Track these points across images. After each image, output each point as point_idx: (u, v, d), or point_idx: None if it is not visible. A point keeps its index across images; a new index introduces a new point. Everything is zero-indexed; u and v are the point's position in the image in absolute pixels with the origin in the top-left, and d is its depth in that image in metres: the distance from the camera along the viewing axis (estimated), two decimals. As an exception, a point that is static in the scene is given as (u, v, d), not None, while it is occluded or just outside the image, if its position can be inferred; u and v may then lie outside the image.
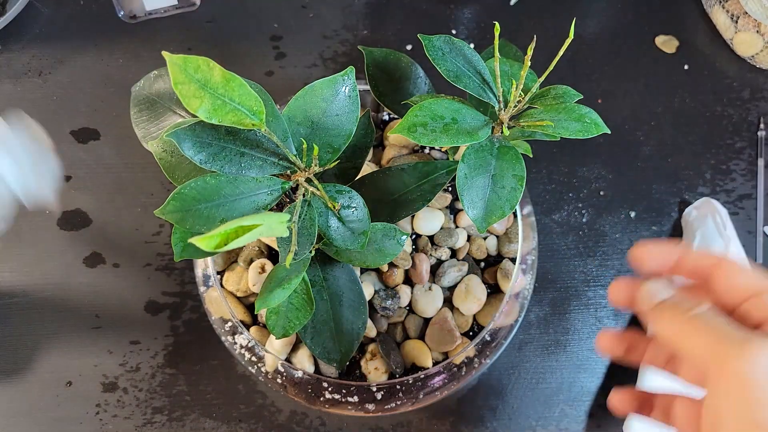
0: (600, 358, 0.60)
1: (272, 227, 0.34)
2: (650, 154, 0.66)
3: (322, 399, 0.52)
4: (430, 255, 0.55)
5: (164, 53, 0.32)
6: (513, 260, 0.56)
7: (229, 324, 0.53)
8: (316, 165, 0.38)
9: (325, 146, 0.39)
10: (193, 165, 0.39)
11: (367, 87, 0.47)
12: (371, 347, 0.53)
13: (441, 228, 0.55)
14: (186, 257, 0.40)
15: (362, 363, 0.53)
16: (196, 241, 0.30)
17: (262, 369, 0.53)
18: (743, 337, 0.27)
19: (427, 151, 0.58)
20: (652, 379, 0.56)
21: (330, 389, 0.52)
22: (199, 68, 0.33)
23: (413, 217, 0.54)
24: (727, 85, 0.68)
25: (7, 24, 0.65)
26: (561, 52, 0.38)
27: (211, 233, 0.31)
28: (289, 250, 0.37)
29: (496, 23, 0.40)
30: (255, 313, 0.53)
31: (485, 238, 0.56)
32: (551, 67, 0.39)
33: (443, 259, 0.55)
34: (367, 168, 0.55)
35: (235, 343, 0.53)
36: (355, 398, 0.52)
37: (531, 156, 0.45)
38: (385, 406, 0.52)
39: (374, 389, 0.52)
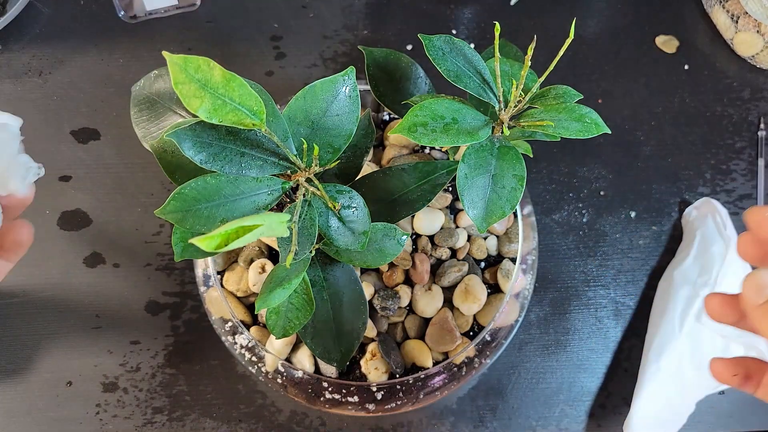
0: (600, 358, 0.60)
1: (272, 227, 0.33)
2: (650, 154, 0.66)
3: (322, 399, 0.52)
4: (430, 255, 0.55)
5: (164, 53, 0.32)
6: (513, 260, 0.56)
7: (230, 324, 0.53)
8: (316, 165, 0.38)
9: (326, 146, 0.39)
10: (194, 165, 0.39)
11: (368, 87, 0.47)
12: (371, 347, 0.53)
13: (441, 228, 0.55)
14: (186, 257, 0.40)
15: (362, 363, 0.53)
16: (196, 241, 0.30)
17: (262, 369, 0.53)
18: None
19: (427, 151, 0.58)
20: None
21: (330, 389, 0.52)
22: (200, 68, 0.32)
23: (413, 217, 0.54)
24: (727, 85, 0.68)
25: (7, 24, 0.65)
26: (561, 52, 0.38)
27: (212, 233, 0.31)
28: (290, 250, 0.37)
29: (496, 23, 0.40)
30: (255, 313, 0.53)
31: (485, 238, 0.56)
32: (551, 67, 0.39)
33: (443, 259, 0.55)
34: (368, 168, 0.55)
35: (236, 343, 0.53)
36: (356, 398, 0.52)
37: (531, 156, 0.45)
38: (385, 406, 0.52)
39: (374, 389, 0.52)
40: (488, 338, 0.54)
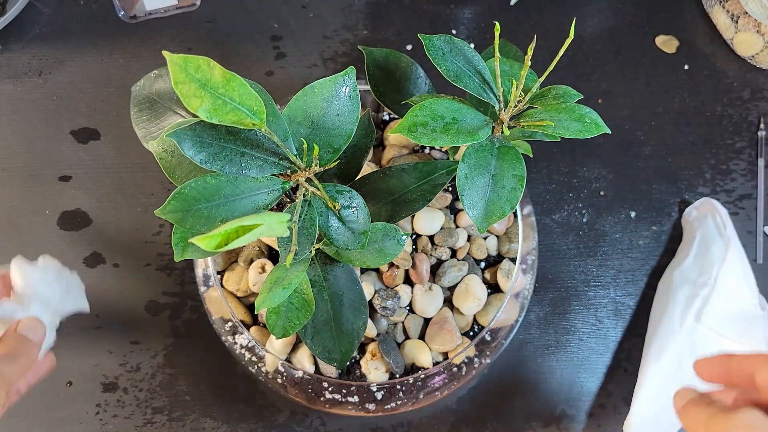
0: (600, 358, 0.60)
1: (272, 227, 0.34)
2: (650, 154, 0.66)
3: (322, 399, 0.52)
4: (430, 255, 0.55)
5: (165, 53, 0.32)
6: (513, 260, 0.56)
7: (230, 324, 0.53)
8: (316, 165, 0.38)
9: (326, 146, 0.39)
10: (194, 165, 0.39)
11: (367, 87, 0.47)
12: (371, 347, 0.53)
13: (441, 228, 0.55)
14: (186, 257, 0.40)
15: (362, 363, 0.53)
16: (196, 241, 0.30)
17: (263, 369, 0.53)
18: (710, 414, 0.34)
19: (427, 151, 0.58)
20: None
21: (330, 389, 0.52)
22: (200, 68, 0.33)
23: (413, 217, 0.54)
24: (727, 85, 0.68)
25: (7, 24, 0.65)
26: (561, 52, 0.38)
27: (212, 233, 0.31)
28: (290, 250, 0.37)
29: (496, 23, 0.40)
30: (255, 313, 0.53)
31: (485, 238, 0.56)
32: (551, 67, 0.39)
33: (443, 259, 0.55)
34: (368, 168, 0.55)
35: (236, 343, 0.53)
36: (356, 398, 0.52)
37: (531, 156, 0.45)
38: (385, 406, 0.52)
39: (374, 389, 0.52)
40: (488, 338, 0.54)
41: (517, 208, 0.55)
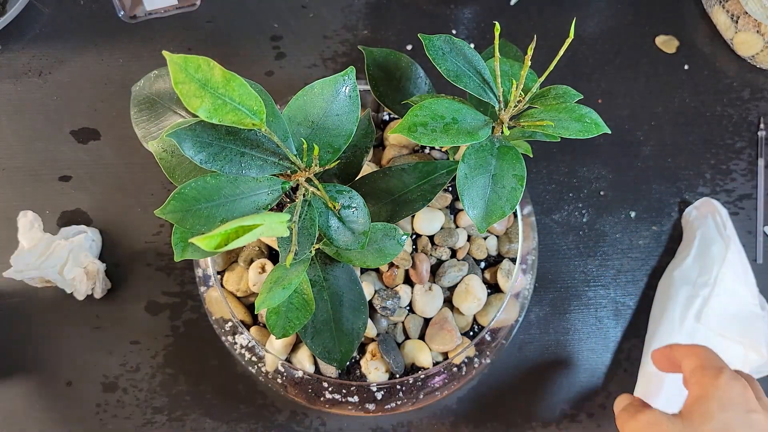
0: (600, 358, 0.60)
1: (272, 227, 0.34)
2: (650, 154, 0.66)
3: (322, 399, 0.52)
4: (430, 255, 0.55)
5: (165, 53, 0.32)
6: (513, 260, 0.56)
7: (229, 324, 0.53)
8: (316, 165, 0.38)
9: (326, 146, 0.39)
10: (193, 165, 0.39)
11: (367, 87, 0.47)
12: (371, 347, 0.53)
13: (441, 228, 0.55)
14: (186, 257, 0.40)
15: (362, 363, 0.53)
16: (196, 241, 0.30)
17: (262, 369, 0.53)
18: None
19: (427, 151, 0.58)
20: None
21: (330, 389, 0.52)
22: (200, 68, 0.33)
23: (413, 217, 0.54)
24: (727, 85, 0.68)
25: (7, 24, 0.65)
26: (561, 52, 0.38)
27: (212, 233, 0.31)
28: (290, 250, 0.37)
29: (496, 23, 0.40)
30: (255, 313, 0.53)
31: (485, 238, 0.56)
32: (551, 67, 0.39)
33: (443, 259, 0.55)
34: (367, 168, 0.55)
35: (235, 343, 0.53)
36: (356, 398, 0.52)
37: (531, 156, 0.45)
38: (385, 406, 0.52)
39: (374, 389, 0.52)
40: (488, 338, 0.54)
41: (517, 208, 0.55)
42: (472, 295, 0.53)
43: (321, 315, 0.46)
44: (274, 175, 0.38)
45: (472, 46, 0.43)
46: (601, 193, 0.65)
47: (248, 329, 0.53)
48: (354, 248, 0.39)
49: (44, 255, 0.57)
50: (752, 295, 0.58)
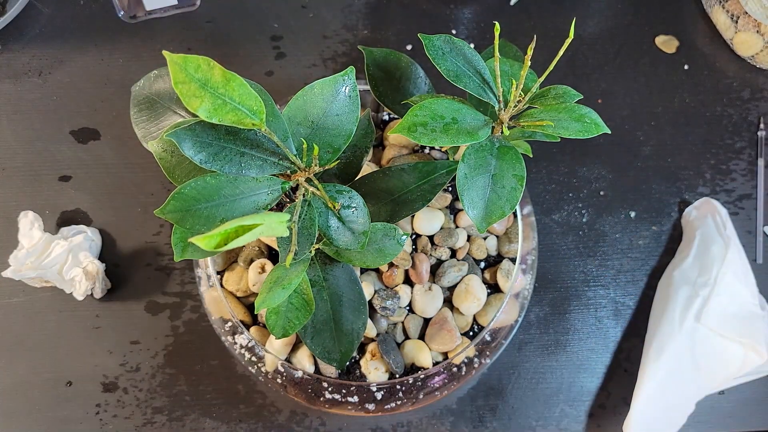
0: (600, 358, 0.60)
1: (272, 227, 0.34)
2: (650, 154, 0.66)
3: (322, 399, 0.52)
4: (430, 255, 0.55)
5: (164, 52, 0.32)
6: (513, 260, 0.56)
7: (229, 324, 0.53)
8: (316, 165, 0.38)
9: (325, 146, 0.39)
10: (193, 165, 0.39)
11: (367, 87, 0.47)
12: (371, 347, 0.53)
13: (441, 228, 0.55)
14: (186, 257, 0.40)
15: (362, 363, 0.53)
16: (196, 241, 0.30)
17: (262, 369, 0.53)
18: None
19: (427, 151, 0.58)
20: None
21: (330, 389, 0.52)
22: (200, 67, 0.33)
23: (413, 217, 0.54)
24: (727, 85, 0.68)
25: (7, 24, 0.65)
26: (561, 52, 0.38)
27: (211, 233, 0.31)
28: (289, 250, 0.37)
29: (496, 23, 0.40)
30: (255, 313, 0.53)
31: (485, 238, 0.56)
32: (551, 67, 0.39)
33: (443, 259, 0.55)
34: (367, 168, 0.55)
35: (235, 343, 0.53)
36: (355, 398, 0.52)
37: (531, 156, 0.45)
38: (385, 406, 0.52)
39: (374, 389, 0.52)
40: (488, 338, 0.54)
41: (517, 208, 0.55)
42: (472, 295, 0.53)
43: (321, 315, 0.46)
44: (274, 175, 0.38)
45: (472, 46, 0.43)
46: (601, 193, 0.65)
47: (248, 329, 0.53)
48: (354, 248, 0.39)
49: (43, 255, 0.57)
50: (752, 295, 0.58)
